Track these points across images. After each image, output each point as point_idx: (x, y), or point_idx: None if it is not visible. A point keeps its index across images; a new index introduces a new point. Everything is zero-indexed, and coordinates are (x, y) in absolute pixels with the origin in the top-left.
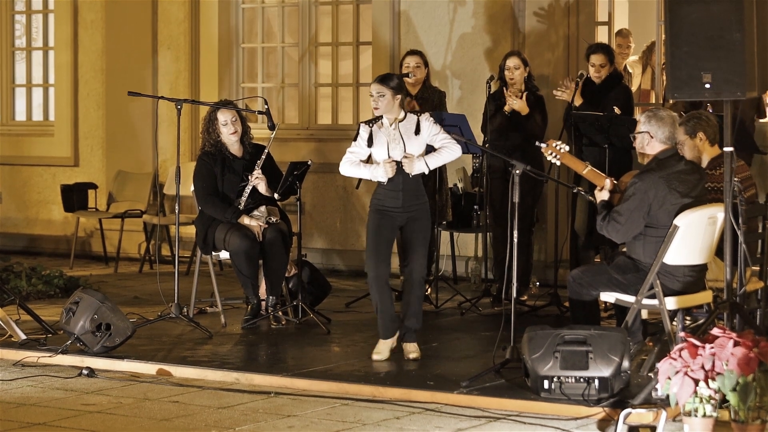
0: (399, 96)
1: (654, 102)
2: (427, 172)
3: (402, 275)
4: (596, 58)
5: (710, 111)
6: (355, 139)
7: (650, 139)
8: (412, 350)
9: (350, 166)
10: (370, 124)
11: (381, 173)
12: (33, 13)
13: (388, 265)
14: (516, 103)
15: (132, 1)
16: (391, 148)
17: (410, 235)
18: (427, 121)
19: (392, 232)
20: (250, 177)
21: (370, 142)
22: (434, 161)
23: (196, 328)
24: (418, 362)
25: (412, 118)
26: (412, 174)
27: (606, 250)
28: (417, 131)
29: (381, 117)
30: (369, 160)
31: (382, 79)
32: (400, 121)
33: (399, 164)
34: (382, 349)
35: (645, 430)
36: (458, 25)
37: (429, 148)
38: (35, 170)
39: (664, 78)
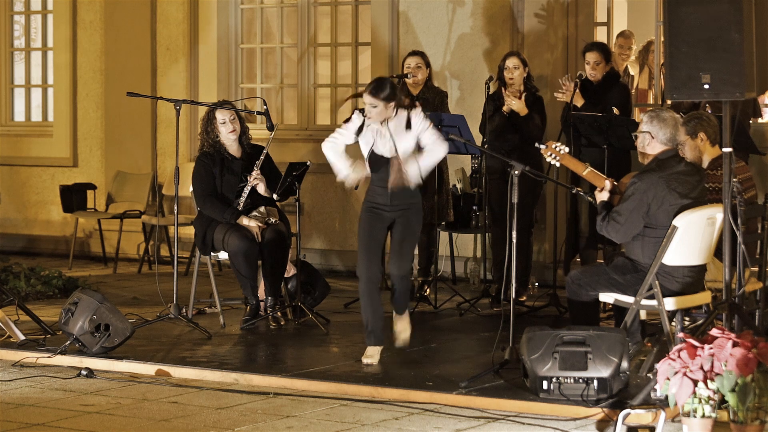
0: (392, 103)
1: (652, 102)
2: (421, 181)
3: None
4: (591, 56)
5: (709, 111)
6: (346, 121)
7: (651, 139)
8: (400, 329)
9: (331, 151)
10: (365, 114)
11: (348, 177)
12: (32, 13)
13: (379, 266)
14: (515, 104)
15: (131, 1)
16: (377, 144)
17: (394, 235)
18: (417, 115)
19: (383, 232)
20: (248, 177)
21: (359, 132)
22: (425, 166)
23: (195, 328)
24: (417, 363)
25: (402, 114)
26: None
27: (606, 250)
28: (408, 125)
29: None
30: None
31: (375, 92)
32: (390, 120)
33: (389, 162)
34: (372, 353)
35: (644, 430)
36: (457, 26)
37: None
38: (34, 171)
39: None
